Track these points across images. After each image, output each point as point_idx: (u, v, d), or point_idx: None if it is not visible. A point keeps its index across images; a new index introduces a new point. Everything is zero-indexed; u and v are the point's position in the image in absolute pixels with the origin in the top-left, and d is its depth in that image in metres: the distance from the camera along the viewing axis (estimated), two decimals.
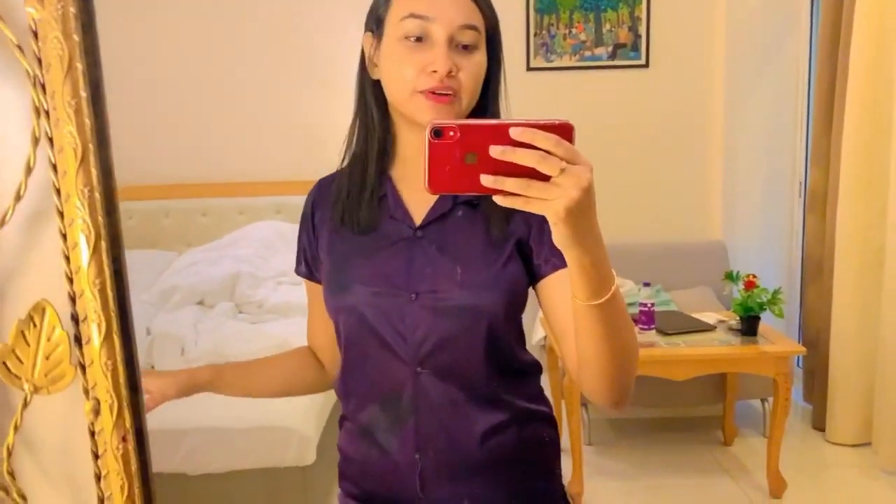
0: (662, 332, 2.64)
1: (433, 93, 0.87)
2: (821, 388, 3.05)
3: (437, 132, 0.63)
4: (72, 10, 0.48)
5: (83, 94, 0.50)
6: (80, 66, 0.49)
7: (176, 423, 2.09)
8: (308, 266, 1.06)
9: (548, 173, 0.62)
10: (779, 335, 2.66)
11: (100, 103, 0.51)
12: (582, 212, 0.64)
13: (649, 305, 2.68)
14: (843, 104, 2.88)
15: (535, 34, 3.53)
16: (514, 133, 0.62)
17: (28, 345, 0.53)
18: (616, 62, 3.56)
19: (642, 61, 3.56)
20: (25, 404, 0.55)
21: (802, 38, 3.38)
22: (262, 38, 3.57)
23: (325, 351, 1.10)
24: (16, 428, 0.54)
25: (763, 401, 3.04)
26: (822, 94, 3.10)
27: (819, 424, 3.06)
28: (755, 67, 3.54)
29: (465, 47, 0.89)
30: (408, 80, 0.88)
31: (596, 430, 3.08)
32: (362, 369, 0.98)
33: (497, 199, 0.64)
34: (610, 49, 3.55)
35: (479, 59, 0.91)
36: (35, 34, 0.49)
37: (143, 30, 3.45)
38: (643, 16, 3.52)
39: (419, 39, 0.88)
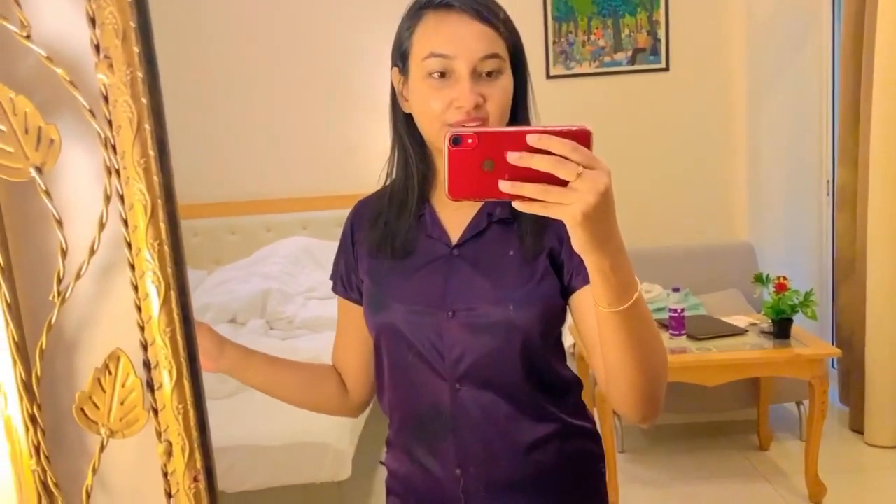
0: (693, 338, 2.63)
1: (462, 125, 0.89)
2: (857, 389, 3.01)
3: (456, 140, 0.65)
4: (139, 75, 0.51)
5: (151, 153, 0.52)
6: (147, 126, 0.52)
7: (213, 441, 2.12)
8: (343, 285, 1.06)
9: (565, 178, 0.64)
10: (812, 337, 2.63)
11: (166, 161, 0.53)
12: (600, 216, 0.66)
13: (679, 311, 2.67)
14: (869, 100, 2.85)
15: (554, 42, 3.54)
16: (531, 139, 0.64)
17: (104, 391, 0.56)
18: (636, 67, 3.55)
19: (662, 65, 3.55)
20: (102, 448, 0.57)
21: (825, 35, 3.35)
22: (286, 55, 3.62)
23: (352, 373, 1.09)
24: (94, 471, 0.57)
25: (798, 404, 3.00)
26: (847, 90, 3.07)
27: (857, 426, 3.02)
28: (777, 66, 3.51)
29: (490, 74, 0.90)
30: (436, 115, 0.90)
31: (629, 438, 3.07)
32: (403, 386, 1.00)
33: (516, 204, 0.66)
34: (629, 54, 3.55)
35: (505, 83, 0.92)
36: (105, 98, 0.51)
37: (167, 50, 3.51)
38: (662, 19, 3.51)
39: (443, 75, 0.90)
